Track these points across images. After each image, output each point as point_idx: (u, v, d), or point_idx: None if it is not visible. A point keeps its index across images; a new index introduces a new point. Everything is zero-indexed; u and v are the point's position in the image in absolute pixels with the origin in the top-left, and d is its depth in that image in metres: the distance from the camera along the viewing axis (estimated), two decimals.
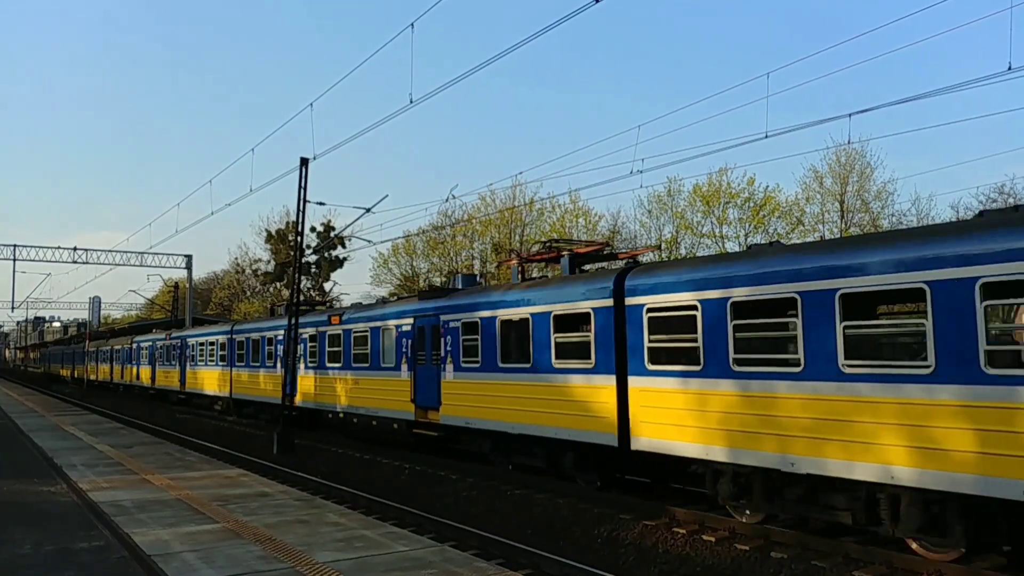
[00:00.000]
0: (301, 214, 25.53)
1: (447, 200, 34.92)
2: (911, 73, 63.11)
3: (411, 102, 19.50)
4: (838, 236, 32.09)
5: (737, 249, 41.34)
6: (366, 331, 23.07)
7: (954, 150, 62.11)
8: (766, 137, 18.06)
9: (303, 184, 24.78)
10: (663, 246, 46.25)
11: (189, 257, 56.16)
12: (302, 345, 26.37)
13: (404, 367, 20.87)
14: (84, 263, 54.27)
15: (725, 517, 12.66)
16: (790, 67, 61.45)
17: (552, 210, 49.34)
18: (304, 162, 24.80)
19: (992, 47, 61.59)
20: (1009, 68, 14.54)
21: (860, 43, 70.78)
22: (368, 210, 28.19)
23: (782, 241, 34.00)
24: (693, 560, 11.34)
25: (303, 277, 46.38)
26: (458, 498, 15.99)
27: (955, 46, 70.10)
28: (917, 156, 63.12)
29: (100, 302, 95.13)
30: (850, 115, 18.68)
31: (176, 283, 64.77)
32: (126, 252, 55.25)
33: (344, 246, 56.98)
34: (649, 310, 13.44)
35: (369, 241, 48.77)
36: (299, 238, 28.75)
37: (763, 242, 39.31)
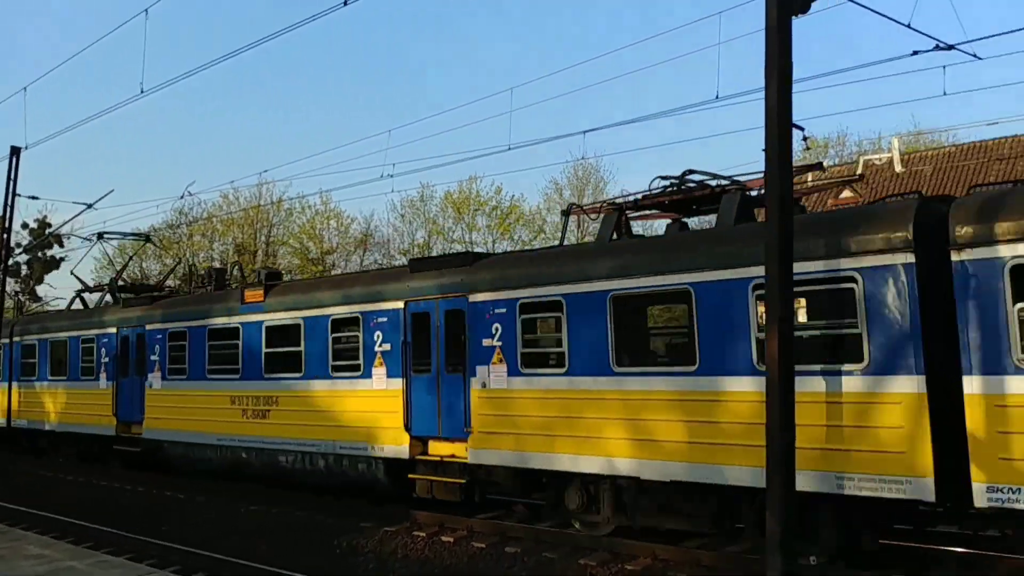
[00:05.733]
0: (10, 209, 22.68)
1: (183, 197, 32.56)
2: (637, 96, 68.71)
3: (142, 92, 18.17)
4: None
5: None
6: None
7: (675, 169, 68.49)
8: (509, 149, 18.70)
9: (13, 176, 22.03)
10: (415, 250, 46.53)
11: None
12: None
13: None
14: None
15: (465, 518, 12.89)
16: (532, 84, 64.26)
17: (302, 211, 47.81)
18: (15, 151, 22.06)
19: (703, 78, 68.53)
20: (717, 97, 16.13)
21: (594, 65, 75.89)
22: (90, 206, 25.53)
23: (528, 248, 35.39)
24: (432, 562, 11.41)
25: (11, 279, 41.26)
26: (192, 519, 14.87)
27: (672, 74, 77.01)
28: (644, 173, 69.06)
29: None
30: (584, 132, 19.90)
31: None
32: None
33: (62, 245, 51.38)
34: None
35: (90, 240, 44.06)
36: (7, 236, 25.47)
37: (509, 249, 41.17)
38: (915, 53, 12.59)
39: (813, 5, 9.08)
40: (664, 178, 12.15)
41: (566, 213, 13.61)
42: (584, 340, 11.23)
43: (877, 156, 32.37)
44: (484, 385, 12.40)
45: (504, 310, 12.25)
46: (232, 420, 16.44)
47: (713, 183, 11.53)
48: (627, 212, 12.39)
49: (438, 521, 13.01)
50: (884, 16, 10.84)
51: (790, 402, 8.22)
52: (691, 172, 11.99)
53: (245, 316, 16.41)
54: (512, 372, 12.10)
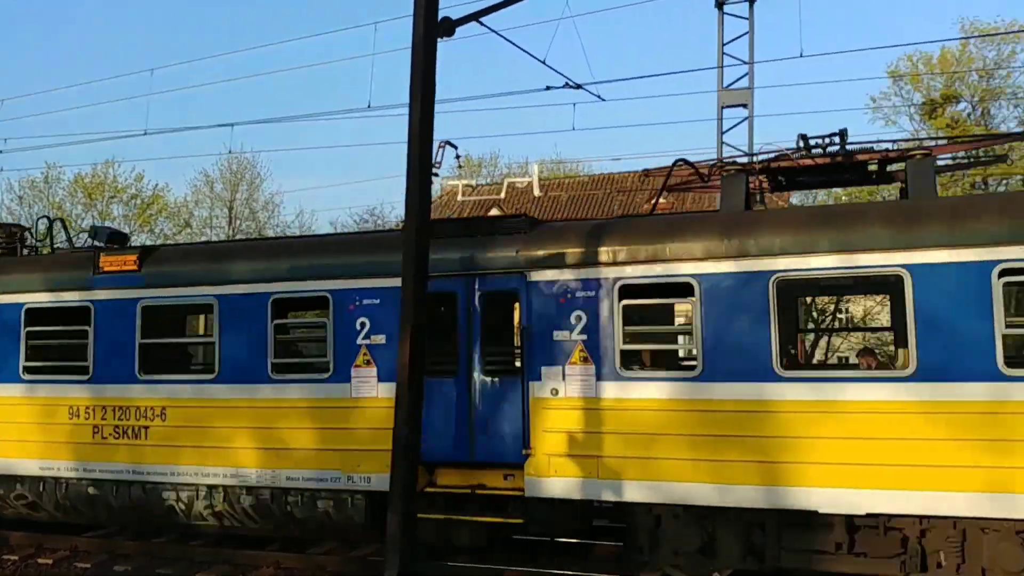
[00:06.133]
0: None
1: None
2: (293, 96, 66.57)
3: None
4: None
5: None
6: None
7: (331, 171, 68.27)
8: (145, 134, 17.21)
9: None
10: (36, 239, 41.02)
11: None
12: None
13: None
14: None
15: (66, 536, 11.61)
16: (176, 67, 58.83)
17: None
18: None
19: (358, 86, 68.52)
20: (369, 106, 16.40)
21: (240, 58, 72.84)
22: None
23: (171, 243, 33.10)
24: None
25: None
26: None
27: (325, 79, 75.25)
28: (302, 174, 67.43)
29: None
30: (232, 125, 19.12)
31: None
32: None
33: None
34: None
35: None
36: None
37: (150, 242, 37.94)
38: (548, 88, 13.92)
39: (459, 31, 9.69)
40: (804, 137, 10.08)
41: (670, 169, 10.81)
42: (729, 335, 8.95)
43: (520, 179, 35.14)
44: (555, 392, 9.47)
45: (591, 293, 9.40)
46: (74, 441, 11.53)
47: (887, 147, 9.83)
48: (758, 174, 10.03)
49: (35, 542, 11.58)
50: (522, 50, 11.78)
51: (418, 404, 8.58)
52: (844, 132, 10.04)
53: (103, 292, 11.58)
54: (605, 375, 9.25)
